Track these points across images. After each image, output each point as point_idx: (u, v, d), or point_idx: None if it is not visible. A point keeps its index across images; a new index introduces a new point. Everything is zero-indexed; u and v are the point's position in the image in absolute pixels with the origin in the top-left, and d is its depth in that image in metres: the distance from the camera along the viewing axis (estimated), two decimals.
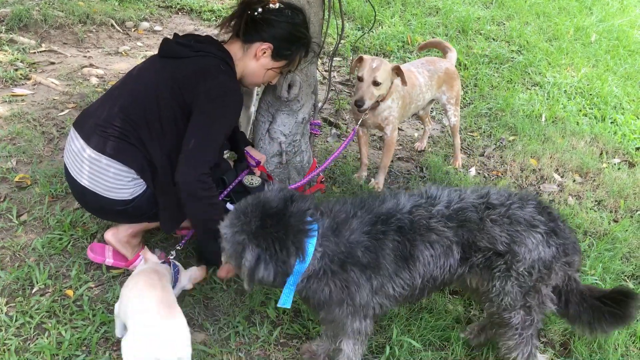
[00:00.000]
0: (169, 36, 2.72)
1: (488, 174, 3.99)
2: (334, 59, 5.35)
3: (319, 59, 5.20)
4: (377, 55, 5.55)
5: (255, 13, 2.60)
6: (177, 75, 2.46)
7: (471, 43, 6.04)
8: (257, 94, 3.55)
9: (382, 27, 6.15)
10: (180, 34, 2.73)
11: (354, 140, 3.81)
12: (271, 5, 2.62)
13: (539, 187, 3.88)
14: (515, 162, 4.09)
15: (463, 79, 5.31)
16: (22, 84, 4.45)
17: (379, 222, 2.03)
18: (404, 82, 3.32)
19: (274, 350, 2.43)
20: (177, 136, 2.46)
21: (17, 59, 4.75)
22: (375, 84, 3.25)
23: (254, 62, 2.65)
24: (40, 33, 5.25)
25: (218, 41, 2.66)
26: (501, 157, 4.17)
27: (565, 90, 5.31)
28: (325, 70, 3.41)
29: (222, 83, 2.48)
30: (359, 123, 3.48)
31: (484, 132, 4.52)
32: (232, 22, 2.70)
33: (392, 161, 3.97)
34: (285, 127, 3.14)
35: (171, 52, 2.54)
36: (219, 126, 2.47)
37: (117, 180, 2.46)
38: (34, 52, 4.97)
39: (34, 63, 4.78)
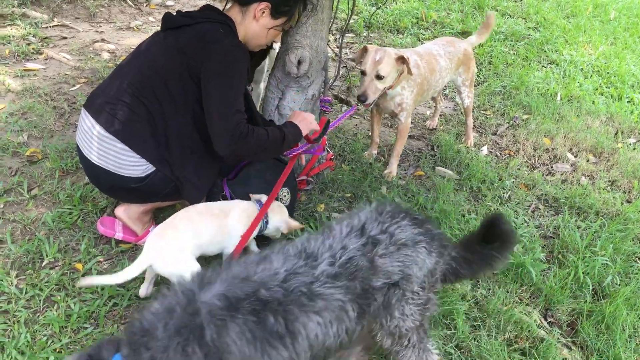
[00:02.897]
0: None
1: (500, 153, 3.94)
2: (346, 35, 5.31)
3: (331, 35, 5.15)
4: (390, 32, 5.49)
5: None
6: (180, 44, 2.45)
7: None
8: (267, 70, 3.52)
9: (396, 3, 6.07)
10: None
11: (365, 118, 3.77)
12: None
13: (552, 167, 3.83)
14: (529, 141, 4.04)
15: (478, 57, 5.24)
16: (35, 59, 4.46)
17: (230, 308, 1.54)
18: (409, 72, 3.21)
19: None
20: (188, 104, 2.47)
21: (30, 34, 4.76)
22: (379, 77, 3.16)
23: (254, 23, 2.62)
24: (53, 7, 5.25)
25: (217, 8, 2.64)
26: (514, 136, 4.12)
27: (582, 69, 5.22)
28: (337, 47, 3.36)
29: (224, 45, 2.46)
30: (367, 102, 3.39)
31: (497, 110, 4.46)
32: None
33: None
34: (294, 103, 3.12)
35: (172, 23, 2.53)
36: (233, 86, 2.46)
37: (127, 157, 2.46)
38: (46, 27, 4.98)
39: (46, 38, 4.79)
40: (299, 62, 3.02)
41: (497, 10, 6.20)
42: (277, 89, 3.12)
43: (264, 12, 2.59)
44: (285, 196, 2.88)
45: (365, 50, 3.21)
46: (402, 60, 3.15)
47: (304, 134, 2.73)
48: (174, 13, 2.60)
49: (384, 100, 3.39)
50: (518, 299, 2.66)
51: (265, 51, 3.39)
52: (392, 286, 1.86)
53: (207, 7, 2.64)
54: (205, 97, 2.46)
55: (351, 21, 5.61)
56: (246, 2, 2.59)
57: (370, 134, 3.73)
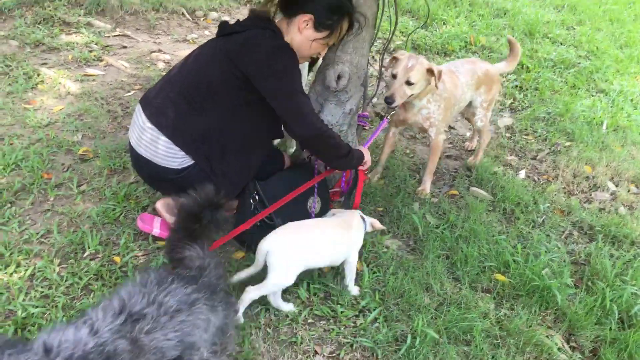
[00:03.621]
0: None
1: (538, 178, 3.93)
2: (385, 75, 5.41)
3: (378, 55, 5.25)
4: (438, 54, 5.55)
5: None
6: (228, 48, 2.62)
7: (537, 46, 5.93)
8: (307, 84, 3.65)
9: (445, 26, 6.13)
10: None
11: (402, 135, 3.82)
12: None
13: (591, 195, 3.79)
14: (569, 167, 4.01)
15: (524, 82, 5.23)
16: (95, 65, 4.73)
17: None
18: (436, 85, 3.26)
19: (301, 329, 2.51)
20: (231, 104, 2.64)
21: (92, 42, 5.04)
22: (409, 83, 3.21)
23: (298, 34, 2.74)
24: (116, 18, 5.55)
25: (266, 17, 2.78)
26: (554, 162, 4.10)
27: (631, 99, 5.15)
28: (382, 67, 3.45)
29: (268, 44, 2.62)
30: (390, 115, 3.45)
31: (540, 135, 4.45)
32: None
33: (440, 158, 3.99)
34: (332, 116, 3.22)
35: (224, 30, 2.72)
36: (287, 75, 2.62)
37: (167, 149, 2.63)
38: (109, 36, 5.26)
39: (107, 46, 5.06)
40: (339, 77, 3.12)
41: (548, 38, 6.18)
42: (316, 102, 3.23)
43: (307, 23, 2.72)
44: (315, 205, 2.97)
45: (395, 59, 3.28)
46: (431, 72, 3.22)
47: (365, 164, 2.97)
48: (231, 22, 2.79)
49: (411, 113, 3.42)
50: (541, 321, 2.66)
51: (312, 64, 3.53)
52: None
53: (256, 16, 2.79)
54: (269, 97, 2.62)
55: (399, 42, 5.71)
56: (292, 13, 2.74)
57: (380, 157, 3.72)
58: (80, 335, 1.47)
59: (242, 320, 2.48)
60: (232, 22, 2.81)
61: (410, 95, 3.28)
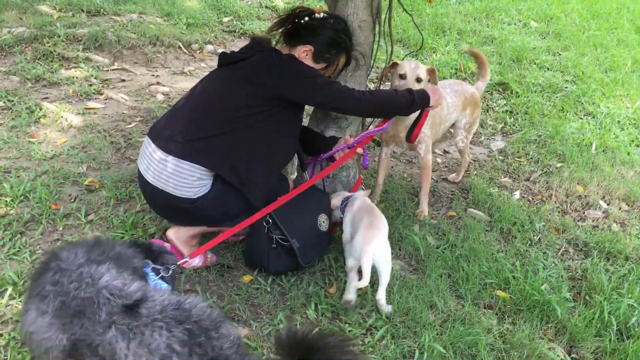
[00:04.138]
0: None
1: (532, 198, 4.04)
2: (385, 83, 5.55)
3: (372, 83, 5.40)
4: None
5: (302, 21, 2.90)
6: (238, 74, 2.78)
7: (525, 72, 6.11)
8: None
9: (435, 55, 6.31)
10: None
11: (400, 161, 3.93)
12: (316, 15, 2.92)
13: (584, 213, 3.91)
14: (561, 187, 4.13)
15: (514, 106, 5.39)
16: (95, 98, 4.83)
17: None
18: (434, 83, 3.38)
19: None
20: (251, 124, 2.76)
21: (92, 76, 5.15)
22: (418, 80, 3.30)
23: None
24: (114, 52, 5.66)
25: (269, 42, 2.98)
26: (547, 183, 4.22)
27: (618, 121, 5.30)
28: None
29: (281, 60, 2.81)
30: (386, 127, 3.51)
31: (531, 158, 4.58)
32: (280, 29, 2.99)
33: (436, 182, 4.11)
34: None
35: (228, 59, 2.87)
36: (310, 75, 2.81)
37: (181, 179, 2.70)
38: (107, 70, 5.38)
39: (106, 80, 5.17)
40: None
41: (535, 64, 6.37)
42: (317, 128, 3.34)
43: (307, 54, 2.89)
44: (324, 222, 3.06)
45: (395, 65, 3.36)
46: (432, 72, 3.36)
47: (433, 103, 3.09)
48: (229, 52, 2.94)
49: (402, 127, 3.47)
50: (542, 335, 2.74)
51: None
52: None
53: (258, 42, 2.93)
54: (307, 100, 2.89)
55: None
56: (294, 43, 2.92)
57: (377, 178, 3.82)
58: None
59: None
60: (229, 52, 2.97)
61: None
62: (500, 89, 5.76)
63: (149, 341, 1.63)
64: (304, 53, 2.91)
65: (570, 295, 3.01)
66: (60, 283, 1.79)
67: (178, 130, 2.76)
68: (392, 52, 3.43)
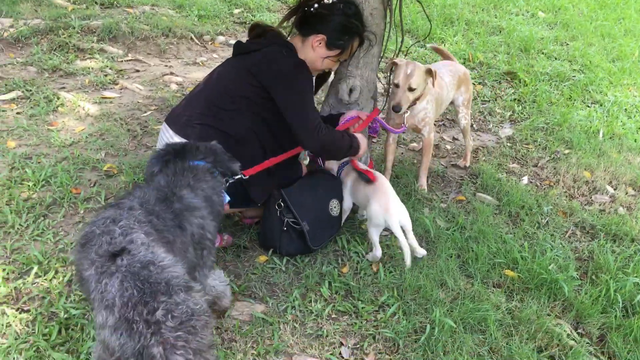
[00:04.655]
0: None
1: (540, 183, 4.12)
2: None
3: (381, 73, 5.47)
4: None
5: (311, 9, 2.95)
6: (249, 65, 2.86)
7: (532, 61, 6.17)
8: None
9: (444, 45, 6.37)
10: None
11: (407, 149, 4.02)
12: (325, 1, 2.96)
13: (591, 197, 3.98)
14: (569, 173, 4.20)
15: (522, 95, 5.46)
16: (111, 88, 4.93)
17: None
18: (433, 84, 3.48)
19: (326, 324, 2.67)
20: (255, 115, 2.88)
21: (107, 66, 5.26)
22: (410, 89, 3.40)
23: (311, 52, 2.99)
24: (128, 44, 5.77)
25: (282, 35, 3.04)
26: (554, 169, 4.29)
27: (625, 109, 5.36)
28: (388, 84, 3.65)
29: (286, 62, 2.87)
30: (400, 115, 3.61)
31: (539, 144, 4.65)
32: (292, 19, 3.07)
33: (446, 167, 4.19)
34: None
35: (242, 49, 2.96)
36: (302, 91, 2.89)
37: None
38: (122, 61, 5.48)
39: (121, 70, 5.28)
40: (351, 90, 3.33)
41: (543, 53, 6.43)
42: (329, 114, 3.42)
43: (320, 43, 2.96)
44: (335, 207, 3.15)
45: (395, 64, 3.46)
46: (430, 72, 3.44)
47: (361, 152, 3.14)
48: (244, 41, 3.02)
49: (410, 116, 3.62)
50: (550, 311, 2.83)
51: (326, 76, 3.76)
52: None
53: (272, 34, 3.01)
54: (282, 108, 2.85)
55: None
56: (306, 33, 2.99)
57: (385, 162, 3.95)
58: None
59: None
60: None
61: (414, 100, 3.49)
62: (509, 78, 5.82)
63: (107, 288, 1.74)
64: (316, 42, 2.98)
65: (577, 274, 3.09)
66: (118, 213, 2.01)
67: (195, 116, 2.86)
68: (402, 41, 3.50)
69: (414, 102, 3.55)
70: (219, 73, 3.00)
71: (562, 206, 3.79)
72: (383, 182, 3.09)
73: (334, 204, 3.15)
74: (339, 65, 3.33)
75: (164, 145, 2.48)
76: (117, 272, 1.76)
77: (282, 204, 2.99)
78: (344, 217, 3.28)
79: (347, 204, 3.25)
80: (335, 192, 3.20)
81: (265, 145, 2.95)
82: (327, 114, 3.43)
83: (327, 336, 2.60)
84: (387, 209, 2.93)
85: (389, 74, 3.56)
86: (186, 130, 2.84)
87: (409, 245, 2.97)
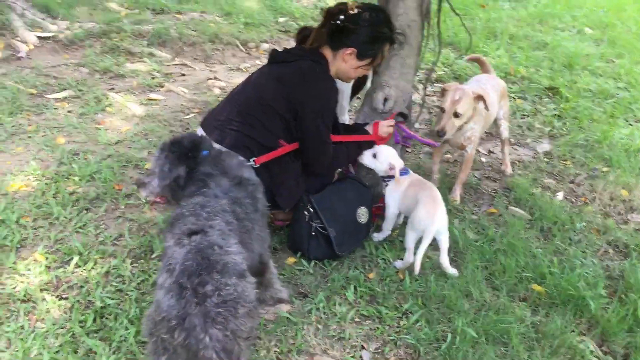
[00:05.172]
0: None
1: (575, 200, 4.09)
2: (434, 84, 5.67)
3: (421, 85, 5.52)
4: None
5: (338, 22, 2.99)
6: (281, 76, 2.94)
7: (576, 77, 6.11)
8: (347, 100, 3.96)
9: (486, 58, 6.36)
10: None
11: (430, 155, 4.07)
12: (350, 11, 3.00)
13: (627, 216, 3.93)
14: (606, 191, 4.15)
15: (563, 111, 5.42)
16: (157, 90, 5.12)
17: None
18: (487, 108, 3.50)
19: (349, 327, 2.73)
20: (284, 123, 2.95)
21: (155, 70, 5.46)
22: (456, 115, 3.44)
23: (343, 64, 3.07)
24: (175, 49, 5.98)
25: (315, 48, 3.09)
26: (591, 186, 4.25)
27: None
28: (425, 95, 3.71)
29: (320, 83, 2.94)
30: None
31: (577, 161, 4.61)
32: (322, 31, 3.10)
33: (479, 179, 4.20)
34: None
35: (277, 58, 3.04)
36: (325, 120, 2.98)
37: None
38: (169, 65, 5.68)
39: (168, 73, 5.47)
40: (385, 100, 3.39)
41: (587, 70, 6.35)
42: (364, 122, 3.49)
43: (351, 54, 3.02)
44: (363, 215, 3.21)
45: (445, 90, 3.52)
46: (479, 98, 3.46)
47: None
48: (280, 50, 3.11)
49: (455, 136, 3.67)
50: (574, 327, 2.82)
51: (361, 85, 3.84)
52: None
53: (305, 47, 3.10)
54: (300, 127, 2.93)
55: (442, 72, 5.98)
56: (336, 46, 3.05)
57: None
58: None
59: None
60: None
61: (460, 125, 3.52)
62: (550, 94, 5.78)
63: (174, 255, 1.98)
64: (347, 55, 3.05)
65: (606, 292, 3.07)
66: None
67: (228, 121, 2.96)
68: (440, 52, 3.55)
69: (459, 128, 3.59)
70: (253, 80, 3.09)
71: (596, 224, 3.76)
72: (435, 190, 3.13)
73: (362, 211, 3.21)
74: (374, 74, 3.41)
75: (163, 145, 2.57)
76: (188, 245, 1.97)
77: (310, 209, 3.06)
78: (390, 225, 3.32)
79: (392, 210, 3.27)
80: (364, 199, 3.26)
81: (292, 154, 3.03)
82: (361, 122, 3.49)
83: (349, 339, 2.66)
84: (433, 217, 2.98)
85: (426, 81, 3.63)
86: (220, 135, 2.93)
87: (440, 262, 3.06)
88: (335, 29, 3.03)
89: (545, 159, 4.63)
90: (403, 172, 3.24)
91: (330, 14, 3.09)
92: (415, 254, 3.00)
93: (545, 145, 4.85)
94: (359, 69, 3.12)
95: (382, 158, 3.25)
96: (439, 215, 3.00)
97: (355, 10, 3.03)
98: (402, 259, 3.12)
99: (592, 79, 6.11)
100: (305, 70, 2.96)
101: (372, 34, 3.03)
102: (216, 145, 2.88)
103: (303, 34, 3.23)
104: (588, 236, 3.61)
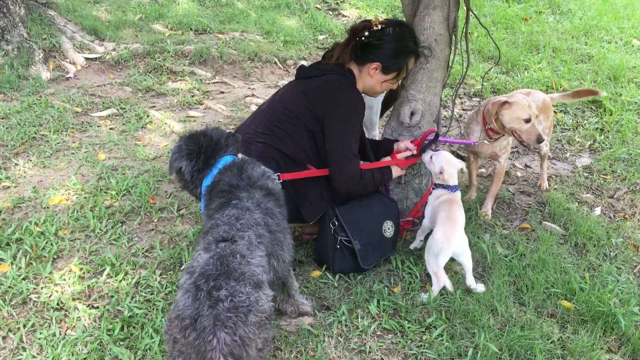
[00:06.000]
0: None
1: (614, 215, 3.97)
2: (472, 98, 5.62)
3: (458, 99, 5.48)
4: None
5: (363, 38, 3.04)
6: (308, 90, 3.00)
7: (620, 90, 5.93)
8: (377, 114, 4.02)
9: (527, 72, 6.27)
10: None
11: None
12: (374, 27, 3.05)
13: None
14: None
15: (606, 124, 5.27)
16: (196, 108, 5.27)
17: None
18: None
19: (370, 340, 2.73)
20: (310, 137, 3.02)
21: (195, 88, 5.62)
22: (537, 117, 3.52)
23: (369, 78, 3.11)
24: (216, 67, 6.14)
25: (342, 63, 3.13)
26: (632, 201, 4.12)
27: None
28: (454, 107, 3.69)
29: (347, 96, 2.99)
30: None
31: (619, 175, 4.47)
32: (347, 48, 3.14)
33: (513, 194, 4.13)
34: None
35: (304, 73, 3.09)
36: (352, 133, 3.00)
37: None
38: (209, 83, 5.84)
39: (207, 91, 5.62)
40: (412, 114, 3.40)
41: (633, 82, 6.16)
42: (391, 136, 3.50)
43: (376, 69, 3.06)
44: (389, 228, 3.21)
45: (507, 103, 3.48)
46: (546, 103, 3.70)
47: (393, 176, 3.27)
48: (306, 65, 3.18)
49: (492, 145, 3.68)
50: (603, 345, 2.73)
51: (389, 103, 3.86)
52: None
53: (332, 63, 3.15)
54: (328, 140, 2.97)
55: (479, 86, 5.92)
56: (362, 62, 3.11)
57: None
58: None
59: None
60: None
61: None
62: (593, 107, 5.64)
63: (198, 259, 2.09)
64: (373, 70, 3.09)
65: (639, 309, 2.96)
66: None
67: (256, 134, 3.04)
68: (467, 66, 3.53)
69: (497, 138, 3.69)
70: (280, 95, 3.17)
71: (634, 239, 3.64)
72: (457, 212, 3.11)
73: (388, 225, 3.21)
74: (401, 89, 3.42)
75: (183, 135, 2.69)
76: (213, 251, 2.08)
77: (336, 222, 3.08)
78: (422, 234, 3.35)
79: (425, 221, 3.30)
80: (390, 213, 3.26)
81: (317, 167, 3.07)
82: (388, 136, 3.51)
83: (369, 352, 2.66)
84: (450, 240, 2.95)
85: (455, 93, 3.66)
86: (248, 147, 3.01)
87: (467, 284, 3.02)
88: (360, 45, 3.09)
89: (585, 174, 4.51)
90: (453, 189, 3.23)
91: (355, 31, 3.15)
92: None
93: (585, 160, 4.73)
94: (385, 83, 3.16)
95: (437, 161, 3.25)
96: (456, 238, 2.96)
97: (379, 26, 3.08)
98: (425, 292, 3.02)
99: (638, 92, 5.92)
100: (332, 82, 3.03)
101: (396, 48, 3.08)
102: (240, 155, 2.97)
103: (332, 52, 3.28)
104: (625, 252, 3.49)
